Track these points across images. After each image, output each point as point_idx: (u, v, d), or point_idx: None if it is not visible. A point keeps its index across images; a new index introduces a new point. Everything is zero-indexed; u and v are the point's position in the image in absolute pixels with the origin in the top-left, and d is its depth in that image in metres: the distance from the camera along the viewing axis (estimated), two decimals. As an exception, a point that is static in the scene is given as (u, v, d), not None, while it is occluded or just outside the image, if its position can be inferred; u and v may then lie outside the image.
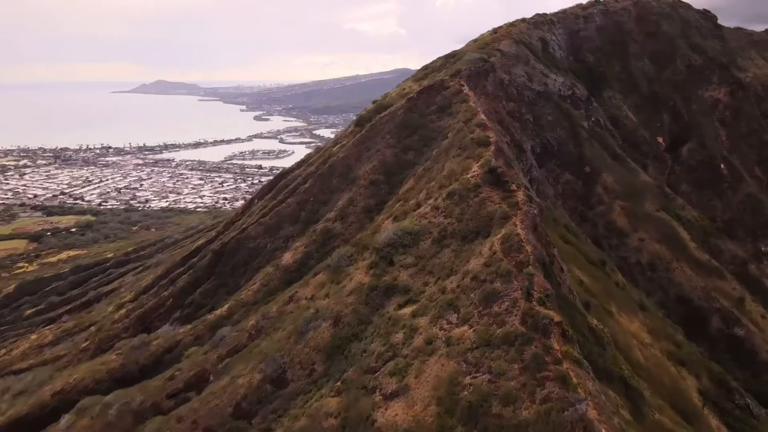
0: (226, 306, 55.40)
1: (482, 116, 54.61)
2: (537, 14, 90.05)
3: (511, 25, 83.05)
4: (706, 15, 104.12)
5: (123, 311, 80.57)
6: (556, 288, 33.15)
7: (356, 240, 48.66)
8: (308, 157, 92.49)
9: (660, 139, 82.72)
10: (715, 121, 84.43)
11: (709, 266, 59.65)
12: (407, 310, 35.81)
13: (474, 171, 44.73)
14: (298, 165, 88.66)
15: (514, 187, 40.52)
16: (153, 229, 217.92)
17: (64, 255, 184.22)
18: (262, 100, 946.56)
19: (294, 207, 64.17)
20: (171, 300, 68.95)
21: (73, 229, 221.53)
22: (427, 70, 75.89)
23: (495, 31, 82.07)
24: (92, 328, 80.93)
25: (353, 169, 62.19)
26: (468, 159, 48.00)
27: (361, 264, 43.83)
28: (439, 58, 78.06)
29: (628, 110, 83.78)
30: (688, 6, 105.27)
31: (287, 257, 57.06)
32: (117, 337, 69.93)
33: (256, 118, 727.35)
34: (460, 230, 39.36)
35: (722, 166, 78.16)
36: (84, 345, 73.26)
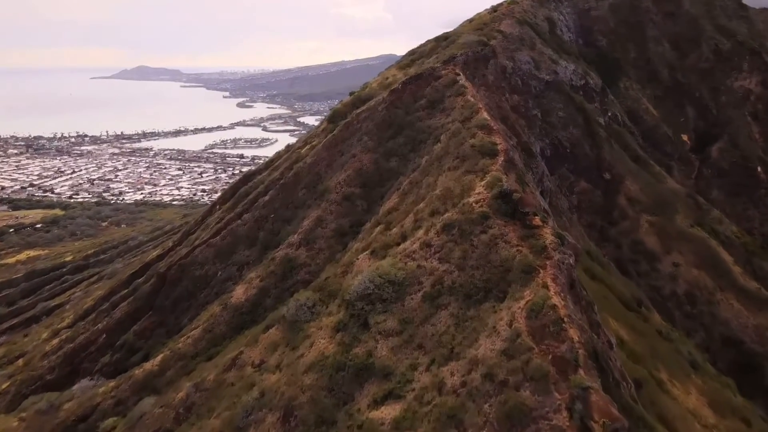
0: (160, 357, 43.49)
1: (485, 114, 42.75)
2: (542, -10, 78.29)
3: (513, 2, 70.99)
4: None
5: (56, 341, 68.61)
6: (612, 389, 21.65)
7: (321, 283, 36.83)
8: (277, 156, 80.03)
9: (685, 137, 71.55)
10: (746, 115, 73.40)
11: (759, 297, 48.92)
12: (387, 413, 24.19)
13: (479, 193, 32.97)
14: (266, 166, 76.33)
15: (537, 220, 28.80)
16: (123, 225, 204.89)
17: (23, 255, 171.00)
18: (245, 87, 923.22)
19: (251, 225, 52.18)
20: (104, 336, 56.94)
21: (38, 225, 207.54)
22: (414, 56, 63.63)
23: (494, 9, 69.99)
24: (20, 362, 68.85)
25: (323, 178, 50.21)
26: (469, 174, 36.22)
27: (326, 321, 32.11)
28: (429, 41, 65.88)
29: (648, 103, 72.51)
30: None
31: (239, 293, 45.18)
32: (41, 379, 58.53)
33: (240, 104, 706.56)
34: (463, 284, 27.70)
35: (759, 168, 67.23)
36: (5, 386, 61.32)
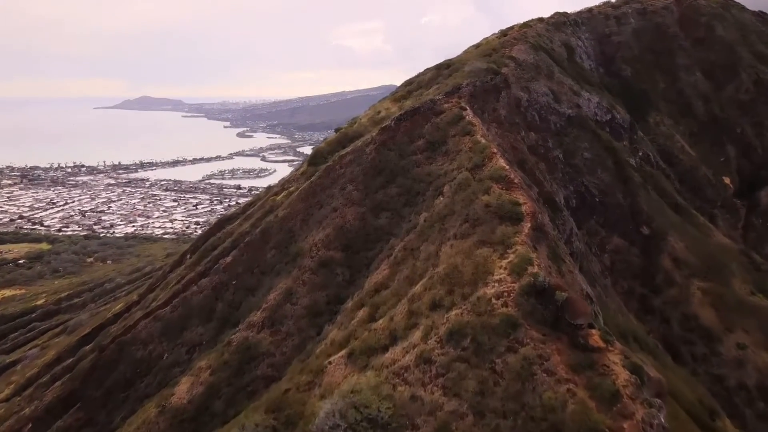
0: (73, 480, 32.94)
1: (501, 161, 33.05)
2: (557, 13, 69.24)
3: (525, 25, 62.06)
4: (763, 17, 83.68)
5: (-12, 419, 57.95)
6: None
7: (279, 398, 26.50)
8: (256, 198, 70.56)
9: (727, 180, 61.88)
10: (797, 154, 63.66)
11: None
12: None
13: (500, 280, 23.02)
14: (243, 210, 66.66)
15: (596, 338, 18.78)
16: (109, 262, 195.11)
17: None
18: (246, 117, 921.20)
19: (208, 294, 42.05)
20: (30, 426, 46.36)
21: (21, 261, 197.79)
22: (411, 86, 54.30)
23: (504, 33, 61.03)
24: (-56, 445, 58.19)
25: (297, 237, 40.27)
26: (483, 246, 26.28)
27: (276, 473, 21.78)
28: (429, 69, 56.69)
29: (682, 140, 62.99)
30: (742, 6, 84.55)
31: (182, 390, 34.80)
32: (-46, 478, 47.87)
33: (239, 134, 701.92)
34: (482, 444, 17.42)
35: (818, 218, 57.33)
36: None
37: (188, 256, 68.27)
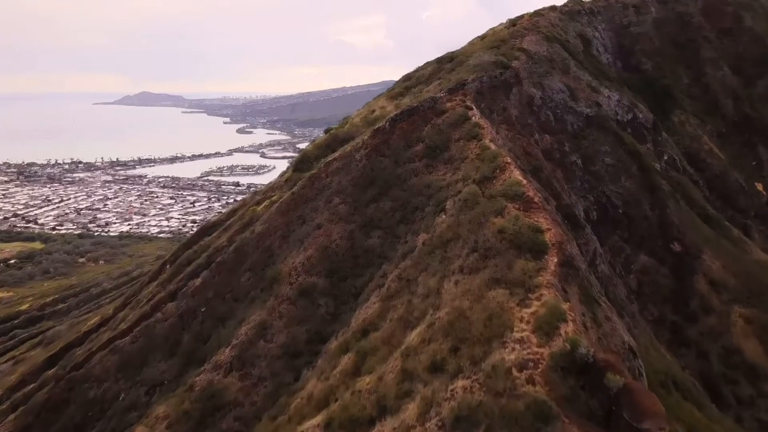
0: None
1: (516, 174, 27.29)
2: (571, 0, 63.06)
3: (537, 14, 56.09)
4: (793, 8, 77.76)
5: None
6: None
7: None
8: (241, 204, 64.73)
9: (759, 186, 56.10)
10: (836, 158, 57.84)
11: None
12: None
13: (521, 339, 17.43)
14: (227, 216, 60.95)
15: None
16: (101, 262, 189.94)
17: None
18: (246, 113, 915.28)
19: (174, 322, 36.42)
20: (-25, 470, 40.86)
21: (12, 261, 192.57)
22: (409, 82, 48.44)
23: (513, 23, 55.07)
24: None
25: (275, 258, 34.56)
26: (498, 287, 20.64)
27: None
28: (429, 63, 50.83)
29: (710, 142, 57.15)
30: (770, -5, 78.83)
31: (135, 443, 29.15)
32: None
33: (239, 130, 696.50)
34: None
35: None
36: None
37: (167, 266, 62.68)
